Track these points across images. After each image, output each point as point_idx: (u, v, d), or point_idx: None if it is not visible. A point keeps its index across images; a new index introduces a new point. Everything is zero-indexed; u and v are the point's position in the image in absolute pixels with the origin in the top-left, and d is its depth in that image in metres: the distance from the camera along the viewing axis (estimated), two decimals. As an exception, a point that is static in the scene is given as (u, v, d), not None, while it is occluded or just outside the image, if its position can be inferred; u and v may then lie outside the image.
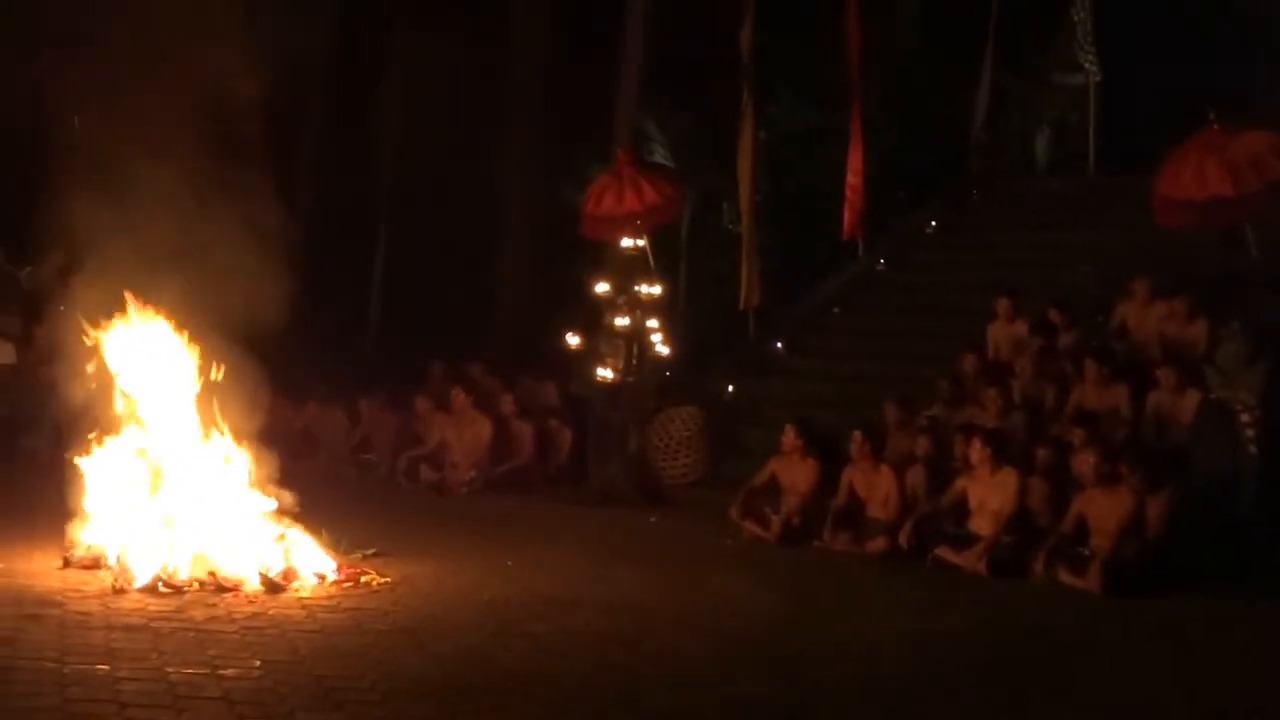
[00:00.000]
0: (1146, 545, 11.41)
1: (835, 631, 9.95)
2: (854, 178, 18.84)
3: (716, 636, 9.54)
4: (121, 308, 11.27)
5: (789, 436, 13.65)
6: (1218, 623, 10.50)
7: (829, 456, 13.60)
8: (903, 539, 12.40)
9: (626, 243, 16.30)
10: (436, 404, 17.01)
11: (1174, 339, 14.11)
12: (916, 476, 13.04)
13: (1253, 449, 12.47)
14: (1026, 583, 11.56)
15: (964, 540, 12.19)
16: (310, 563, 10.73)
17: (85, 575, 10.43)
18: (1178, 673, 9.19)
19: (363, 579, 10.71)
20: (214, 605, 9.74)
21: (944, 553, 12.20)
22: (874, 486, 13.12)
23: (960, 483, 12.56)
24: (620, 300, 15.80)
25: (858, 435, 13.22)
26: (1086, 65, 19.78)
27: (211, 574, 10.31)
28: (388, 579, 10.77)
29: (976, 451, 12.37)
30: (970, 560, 11.95)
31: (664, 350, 16.03)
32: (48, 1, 12.70)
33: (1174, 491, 11.64)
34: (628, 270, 16.06)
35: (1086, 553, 11.48)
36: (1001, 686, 8.74)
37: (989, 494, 12.30)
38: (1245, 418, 12.57)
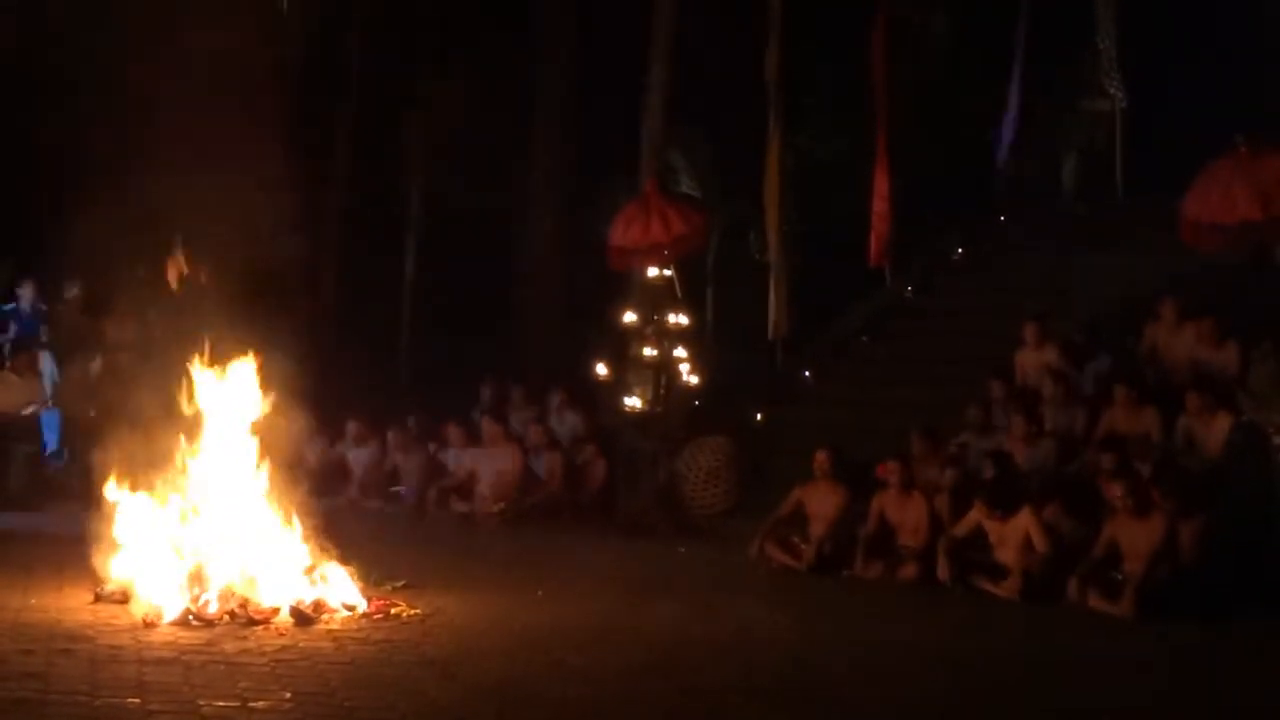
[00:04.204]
0: (1180, 569, 11.33)
1: (870, 658, 9.90)
2: (881, 204, 18.77)
3: (750, 666, 9.48)
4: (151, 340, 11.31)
5: (822, 460, 13.54)
6: (1252, 646, 10.40)
7: (855, 484, 13.56)
8: (941, 575, 12.30)
9: (653, 272, 16.29)
10: (469, 432, 16.96)
11: (1205, 362, 14.06)
12: (944, 504, 12.99)
13: (1286, 470, 12.41)
14: (1059, 607, 11.50)
15: (995, 569, 12.15)
16: (340, 595, 10.73)
17: (116, 609, 10.42)
18: (1212, 697, 9.11)
19: (393, 611, 10.68)
20: (245, 638, 9.73)
21: (977, 580, 12.15)
22: (905, 513, 13.07)
23: (973, 516, 12.51)
24: (648, 330, 15.79)
25: (892, 463, 13.18)
26: (1112, 90, 19.76)
27: (242, 606, 10.31)
28: (418, 610, 10.74)
29: (981, 511, 12.36)
30: (1004, 589, 11.90)
31: (692, 380, 16.01)
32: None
33: (1207, 516, 11.56)
34: (655, 300, 16.04)
35: (1119, 577, 11.43)
36: (1036, 712, 8.68)
37: (1007, 533, 12.25)
38: (1278, 440, 12.51)
